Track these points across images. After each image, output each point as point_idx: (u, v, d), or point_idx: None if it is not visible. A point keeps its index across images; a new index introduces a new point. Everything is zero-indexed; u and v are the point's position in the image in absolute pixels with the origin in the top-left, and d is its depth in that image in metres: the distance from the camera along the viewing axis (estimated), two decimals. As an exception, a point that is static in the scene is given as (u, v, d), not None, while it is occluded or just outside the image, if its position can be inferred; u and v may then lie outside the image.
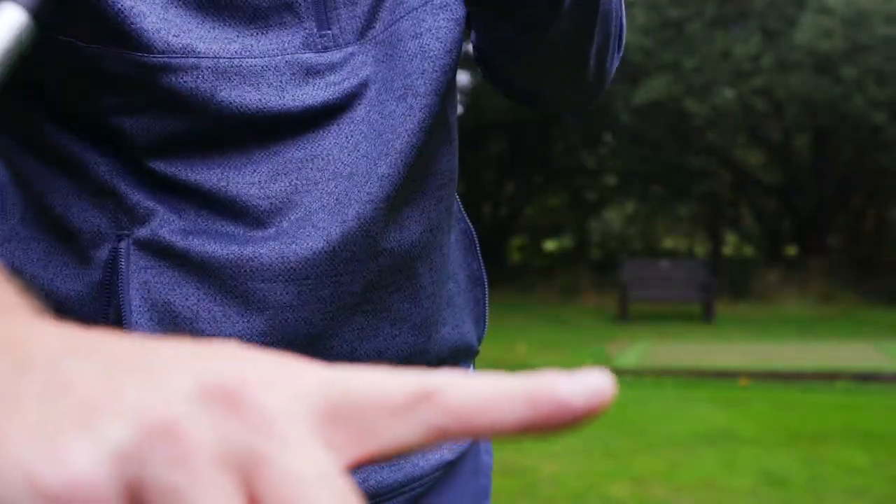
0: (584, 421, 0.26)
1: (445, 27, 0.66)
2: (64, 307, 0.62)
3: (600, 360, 8.52)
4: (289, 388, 0.25)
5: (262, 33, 0.61)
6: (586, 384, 0.26)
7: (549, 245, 20.73)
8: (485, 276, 0.80)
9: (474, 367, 0.81)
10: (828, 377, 7.66)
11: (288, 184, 0.61)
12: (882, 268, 16.31)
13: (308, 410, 0.25)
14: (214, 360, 0.25)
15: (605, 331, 11.40)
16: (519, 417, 0.25)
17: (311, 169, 0.62)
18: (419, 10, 0.65)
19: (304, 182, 0.61)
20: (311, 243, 0.61)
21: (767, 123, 16.74)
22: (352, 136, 0.63)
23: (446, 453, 0.73)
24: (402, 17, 0.65)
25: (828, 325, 12.09)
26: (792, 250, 18.48)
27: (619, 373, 8.05)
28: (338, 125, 0.62)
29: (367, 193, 0.62)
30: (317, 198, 0.61)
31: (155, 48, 0.58)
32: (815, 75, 14.17)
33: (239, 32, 0.60)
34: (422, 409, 0.25)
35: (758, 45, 14.49)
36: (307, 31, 0.62)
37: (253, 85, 0.60)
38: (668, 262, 14.23)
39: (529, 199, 19.12)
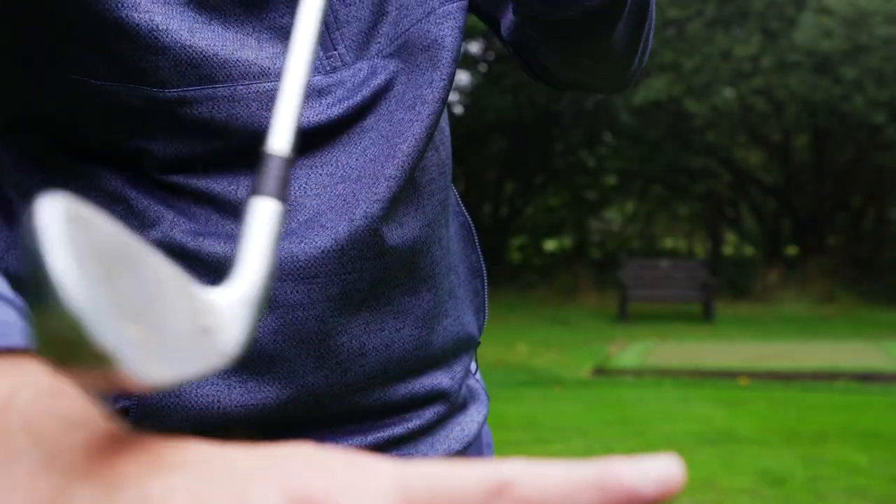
0: None
1: (451, 35, 0.67)
2: None
3: (600, 360, 8.52)
4: (370, 490, 0.26)
5: (274, 59, 0.61)
6: (655, 471, 0.26)
7: (549, 245, 20.72)
8: (483, 268, 0.81)
9: (476, 359, 0.81)
10: (828, 377, 7.66)
11: (297, 188, 0.62)
12: (882, 268, 16.31)
13: None
14: (294, 469, 0.26)
15: (605, 331, 11.40)
16: None
17: (320, 174, 0.63)
18: (423, 22, 0.66)
19: (313, 186, 0.62)
20: (319, 242, 0.61)
21: (767, 123, 16.73)
22: (360, 142, 0.64)
23: (454, 443, 0.74)
24: (408, 30, 0.66)
25: (827, 324, 12.09)
26: (792, 250, 18.48)
27: (619, 373, 8.05)
28: (347, 135, 0.64)
29: (374, 194, 0.62)
30: (325, 200, 0.62)
31: (171, 83, 0.58)
32: (815, 75, 14.16)
33: (257, 55, 0.60)
34: (498, 502, 0.26)
35: (758, 46, 14.49)
36: (313, 55, 0.62)
37: (268, 109, 0.61)
38: (668, 262, 14.23)
39: (529, 199, 19.12)
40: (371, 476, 0.26)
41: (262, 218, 0.32)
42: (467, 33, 0.74)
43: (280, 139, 0.35)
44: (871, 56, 13.73)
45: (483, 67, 17.72)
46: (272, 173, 0.34)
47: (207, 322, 0.30)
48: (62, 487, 0.26)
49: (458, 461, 0.27)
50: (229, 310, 0.31)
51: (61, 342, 0.24)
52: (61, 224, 0.24)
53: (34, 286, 0.24)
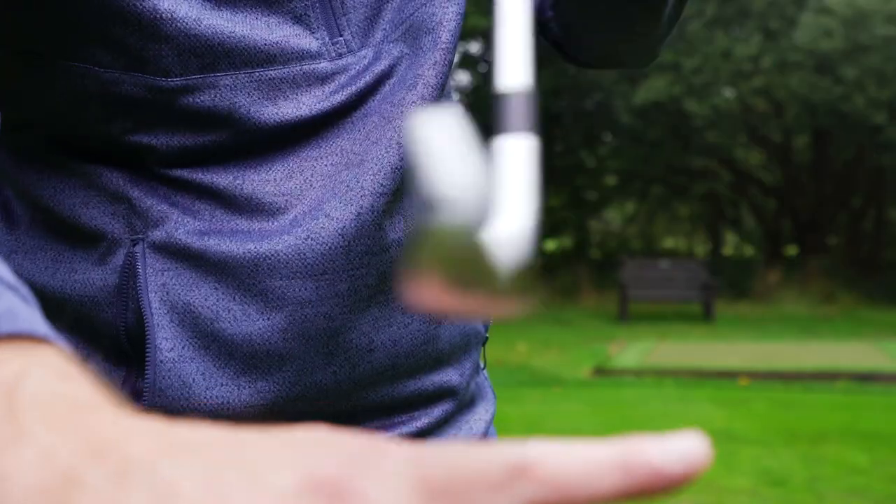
0: (682, 486, 0.26)
1: (453, 19, 0.67)
2: (79, 313, 0.62)
3: (600, 360, 8.51)
4: (387, 471, 0.25)
5: (284, 44, 0.60)
6: (681, 449, 0.26)
7: (550, 245, 20.69)
8: None
9: (485, 354, 0.81)
10: (828, 377, 7.65)
11: (302, 181, 0.62)
12: (882, 268, 16.30)
13: (409, 492, 0.25)
14: (308, 451, 0.26)
15: (605, 331, 11.39)
16: (616, 486, 0.26)
17: (324, 164, 0.62)
18: (426, 6, 0.66)
19: (318, 176, 0.62)
20: (326, 239, 0.61)
21: (767, 123, 16.73)
22: (363, 126, 0.63)
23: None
24: (412, 14, 0.66)
25: (827, 324, 12.08)
26: (792, 250, 18.48)
27: (619, 373, 8.04)
28: (350, 120, 0.63)
29: (379, 183, 0.62)
30: (329, 189, 0.62)
31: (173, 72, 0.58)
32: (815, 75, 14.16)
33: (265, 41, 0.60)
34: (520, 483, 0.25)
35: (758, 45, 14.49)
36: (320, 40, 0.62)
37: (270, 99, 0.60)
38: (668, 262, 14.23)
39: (529, 199, 19.04)
40: (387, 457, 0.26)
41: (516, 155, 0.30)
42: (467, 33, 0.75)
43: (510, 76, 0.32)
44: (872, 56, 13.72)
45: (483, 67, 17.70)
46: (516, 111, 0.31)
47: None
48: (72, 468, 0.25)
49: (477, 443, 0.27)
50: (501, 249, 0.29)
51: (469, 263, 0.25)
52: (454, 141, 0.25)
53: (431, 203, 0.25)
